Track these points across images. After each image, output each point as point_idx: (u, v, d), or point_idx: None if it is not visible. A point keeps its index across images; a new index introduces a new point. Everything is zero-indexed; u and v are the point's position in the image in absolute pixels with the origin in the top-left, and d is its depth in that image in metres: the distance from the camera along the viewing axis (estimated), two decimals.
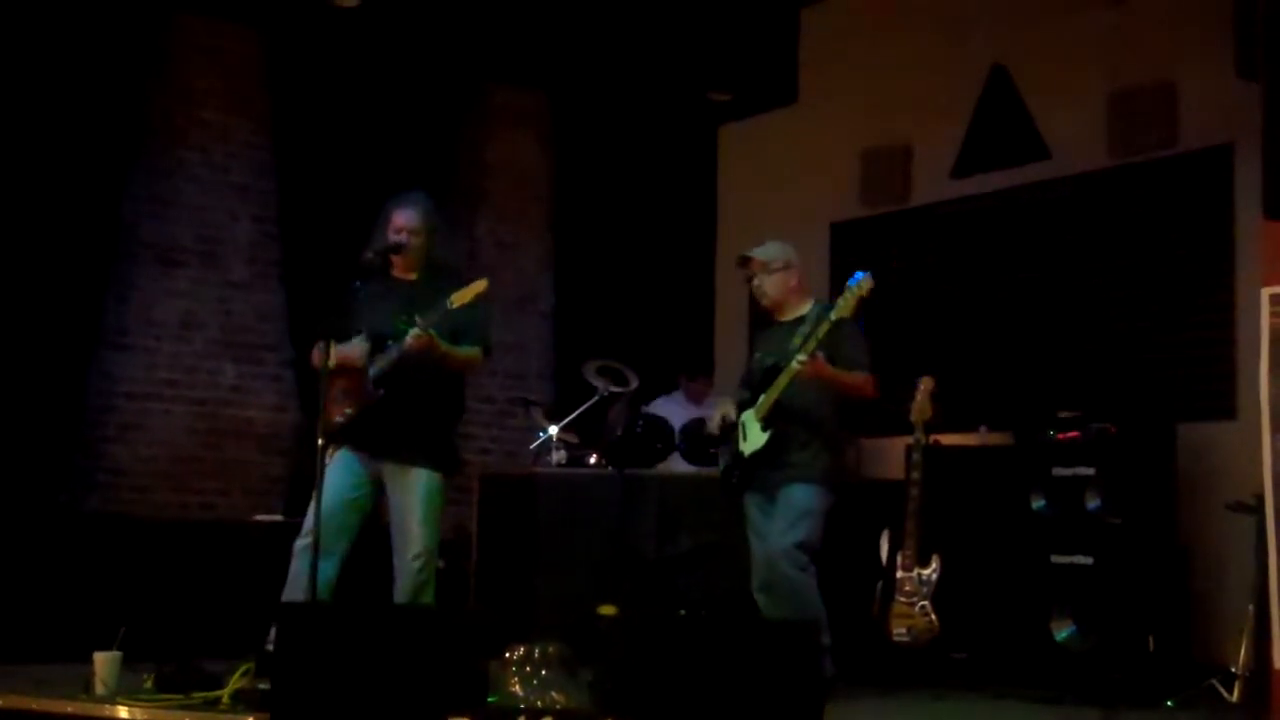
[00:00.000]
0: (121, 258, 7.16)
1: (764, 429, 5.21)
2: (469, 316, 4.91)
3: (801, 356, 5.02)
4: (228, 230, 7.53)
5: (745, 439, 5.31)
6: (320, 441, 4.66)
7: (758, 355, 5.49)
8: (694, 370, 7.52)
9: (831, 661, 5.06)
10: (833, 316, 5.04)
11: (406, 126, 7.87)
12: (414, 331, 4.77)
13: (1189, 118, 6.65)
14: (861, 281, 5.01)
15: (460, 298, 4.79)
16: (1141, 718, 4.97)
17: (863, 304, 5.06)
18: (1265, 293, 4.79)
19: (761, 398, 5.24)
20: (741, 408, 5.40)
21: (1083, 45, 7.08)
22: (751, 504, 5.34)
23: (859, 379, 5.20)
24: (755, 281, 5.43)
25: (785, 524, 5.14)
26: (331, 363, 4.80)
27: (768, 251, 5.42)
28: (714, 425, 5.48)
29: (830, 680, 4.87)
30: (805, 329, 5.21)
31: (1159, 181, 6.73)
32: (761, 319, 5.88)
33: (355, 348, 4.97)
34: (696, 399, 7.32)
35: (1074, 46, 7.11)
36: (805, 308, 5.39)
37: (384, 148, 7.63)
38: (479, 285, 4.82)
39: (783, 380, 5.13)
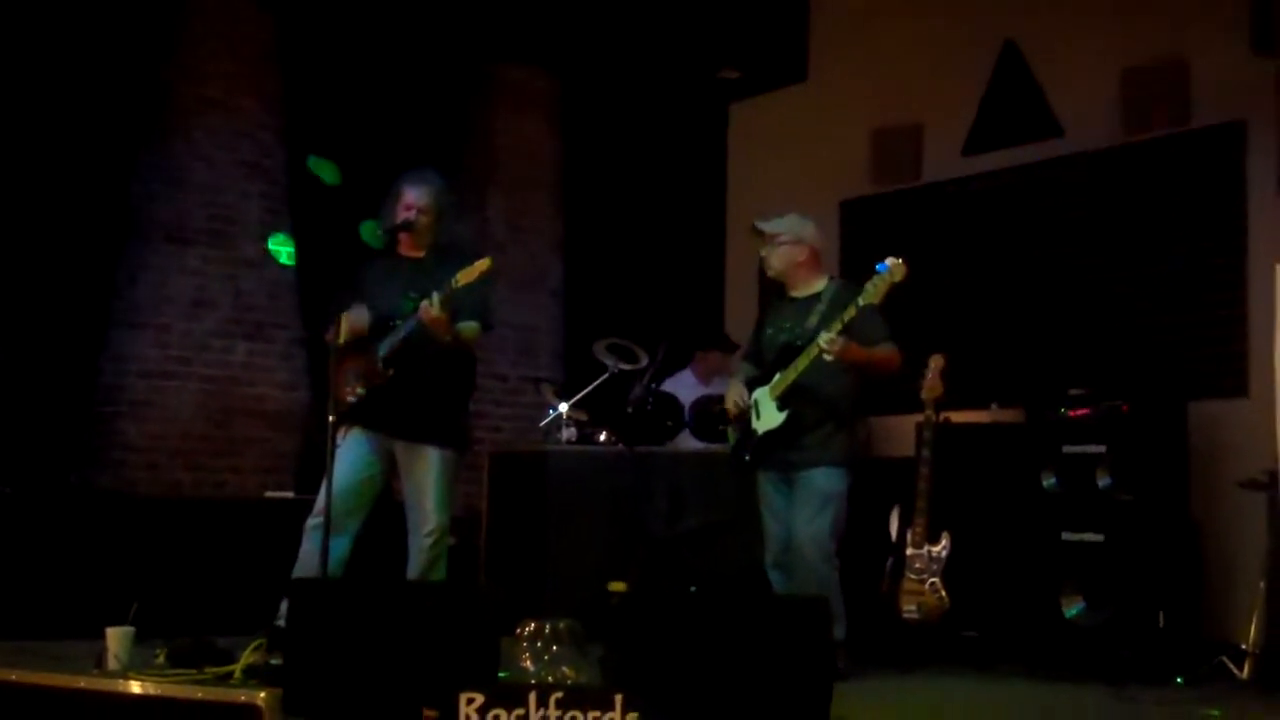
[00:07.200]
0: (132, 236, 7.16)
1: (780, 408, 5.18)
2: (469, 293, 4.90)
3: (829, 335, 4.94)
4: (238, 209, 7.52)
5: (759, 417, 5.28)
6: (331, 420, 4.68)
7: (769, 331, 5.45)
8: (707, 344, 7.45)
9: (847, 657, 5.01)
10: (861, 303, 4.95)
11: (416, 106, 7.86)
12: (425, 303, 4.78)
13: (1202, 94, 6.60)
14: (893, 269, 4.88)
15: (465, 276, 4.78)
16: (1151, 695, 4.96)
17: (893, 290, 4.93)
18: (1279, 269, 4.79)
19: (778, 376, 5.20)
20: (751, 385, 5.36)
21: (1095, 21, 7.04)
22: (765, 481, 5.33)
23: (887, 352, 5.19)
24: (763, 253, 5.43)
25: (811, 510, 5.12)
26: (343, 339, 4.81)
27: (776, 225, 5.39)
28: (730, 406, 5.42)
29: (840, 673, 4.64)
30: (822, 307, 5.19)
31: (1171, 158, 6.69)
32: (770, 292, 5.85)
33: (359, 315, 4.98)
34: (706, 376, 7.31)
35: (1086, 22, 7.07)
36: (819, 284, 5.36)
37: (394, 127, 7.62)
38: (483, 264, 4.82)
39: (803, 361, 5.09)
